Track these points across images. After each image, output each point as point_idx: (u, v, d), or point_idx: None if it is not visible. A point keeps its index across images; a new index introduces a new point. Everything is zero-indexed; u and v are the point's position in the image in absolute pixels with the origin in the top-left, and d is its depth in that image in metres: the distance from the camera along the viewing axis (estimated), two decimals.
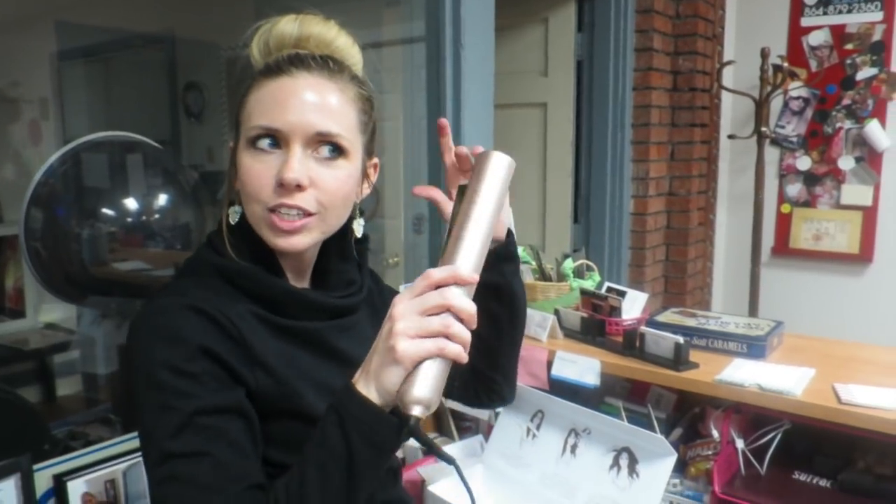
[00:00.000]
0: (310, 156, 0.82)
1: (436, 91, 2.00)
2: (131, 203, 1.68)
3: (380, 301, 1.04)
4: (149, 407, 0.75)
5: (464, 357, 0.70)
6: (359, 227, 0.93)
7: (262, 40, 0.86)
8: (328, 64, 0.84)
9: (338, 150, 0.83)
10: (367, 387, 0.70)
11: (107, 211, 1.64)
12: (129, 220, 1.68)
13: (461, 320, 0.69)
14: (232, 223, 0.86)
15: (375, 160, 0.94)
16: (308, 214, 0.82)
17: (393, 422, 0.70)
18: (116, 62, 3.23)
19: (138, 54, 3.28)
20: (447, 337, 0.68)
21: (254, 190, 0.81)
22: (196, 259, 0.88)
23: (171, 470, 0.72)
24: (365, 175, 0.91)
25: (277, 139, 0.81)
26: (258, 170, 0.81)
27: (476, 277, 0.72)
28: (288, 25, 0.86)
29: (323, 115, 0.82)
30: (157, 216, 1.71)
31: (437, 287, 0.70)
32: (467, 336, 0.70)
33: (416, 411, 0.69)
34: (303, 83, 0.82)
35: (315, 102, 0.82)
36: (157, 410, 0.74)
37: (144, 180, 1.72)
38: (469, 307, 0.70)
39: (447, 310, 0.69)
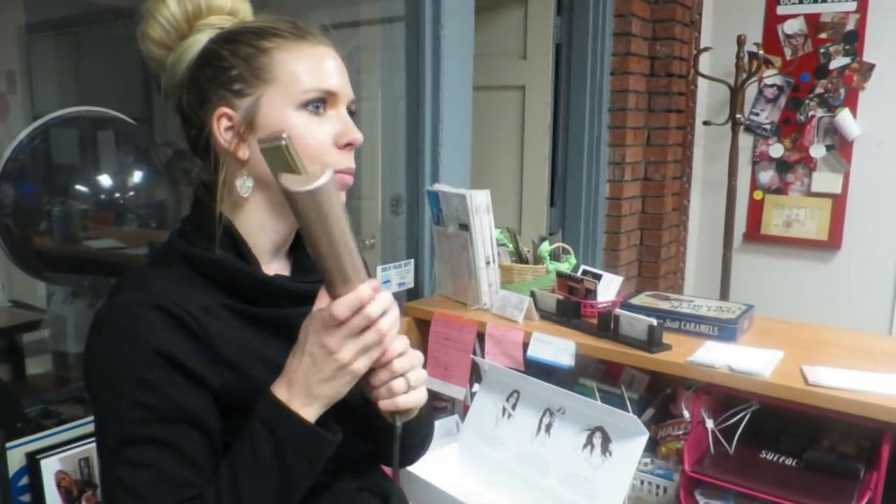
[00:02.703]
0: None
1: (415, 71, 2.00)
2: (103, 180, 1.65)
3: None
4: (105, 410, 0.77)
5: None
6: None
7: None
8: (330, 33, 0.88)
9: (352, 116, 0.88)
10: (308, 403, 0.75)
11: (79, 188, 1.61)
12: (102, 197, 1.65)
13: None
14: (244, 196, 0.84)
15: None
16: None
17: (326, 438, 0.76)
18: (87, 36, 3.15)
19: (110, 28, 3.21)
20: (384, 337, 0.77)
21: (315, 152, 0.82)
22: (166, 247, 0.86)
23: (119, 474, 0.74)
24: None
25: (326, 101, 0.84)
26: (318, 132, 0.83)
27: (375, 286, 0.75)
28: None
29: (349, 83, 0.87)
30: (130, 193, 1.69)
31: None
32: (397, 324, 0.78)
33: (397, 416, 0.81)
34: (332, 51, 0.86)
35: (345, 71, 0.87)
36: (114, 415, 0.76)
37: (116, 157, 1.69)
38: (386, 304, 0.76)
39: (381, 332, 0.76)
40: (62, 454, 1.26)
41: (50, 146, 1.60)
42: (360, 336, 0.74)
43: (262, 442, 0.74)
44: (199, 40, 0.86)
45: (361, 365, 0.75)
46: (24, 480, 1.24)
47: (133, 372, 0.75)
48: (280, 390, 0.76)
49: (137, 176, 1.70)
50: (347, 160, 0.85)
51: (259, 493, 0.74)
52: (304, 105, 0.82)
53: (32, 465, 1.24)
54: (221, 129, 0.83)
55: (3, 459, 1.19)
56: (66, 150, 1.64)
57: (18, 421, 1.34)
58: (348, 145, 0.84)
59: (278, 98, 0.82)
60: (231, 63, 0.83)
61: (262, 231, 0.87)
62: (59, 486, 1.25)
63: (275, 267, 0.90)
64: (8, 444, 1.21)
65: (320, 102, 0.83)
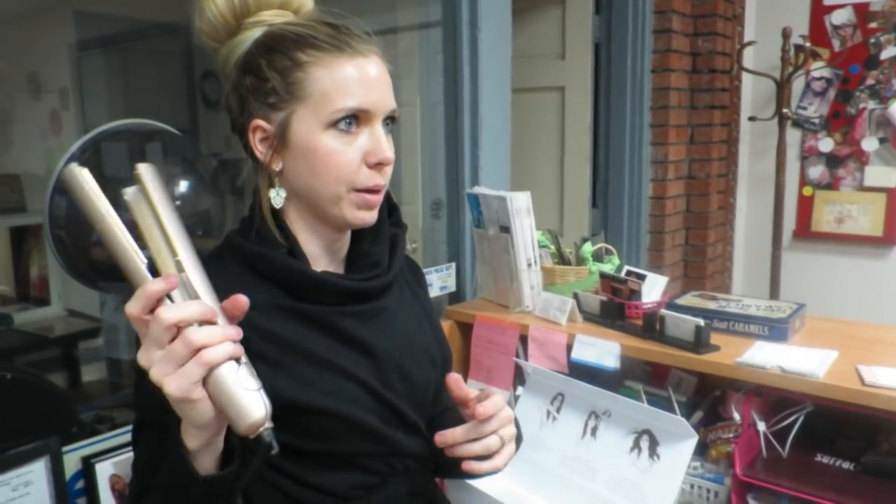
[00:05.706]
0: None
1: (453, 76, 2.00)
2: None
3: (424, 295, 1.03)
4: (135, 390, 0.80)
5: (236, 351, 0.64)
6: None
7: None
8: (373, 38, 0.86)
9: (393, 123, 0.87)
10: (186, 435, 0.67)
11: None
12: None
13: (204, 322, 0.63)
14: (277, 206, 0.85)
15: None
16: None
17: (195, 476, 0.68)
18: (134, 51, 3.25)
19: (156, 43, 3.30)
20: (202, 348, 0.62)
21: (343, 172, 0.82)
22: (224, 241, 0.89)
23: (134, 456, 0.81)
24: None
25: (359, 118, 0.82)
26: (347, 151, 0.82)
27: (167, 280, 0.63)
28: None
29: (390, 91, 0.85)
30: (177, 203, 1.72)
31: (148, 315, 0.62)
32: (218, 333, 0.63)
33: (263, 433, 0.64)
34: (373, 61, 0.83)
35: (385, 81, 0.84)
36: (137, 398, 0.80)
37: (163, 168, 1.73)
38: (190, 312, 0.62)
39: (176, 329, 0.62)
40: (116, 458, 1.30)
41: (101, 158, 1.65)
42: (167, 348, 0.61)
43: (165, 463, 0.72)
44: (248, 38, 0.85)
45: (175, 387, 0.61)
46: (80, 484, 1.28)
47: None
48: None
49: (184, 186, 1.74)
50: (374, 178, 0.83)
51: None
52: (334, 124, 0.81)
53: (88, 468, 1.27)
54: (257, 140, 0.84)
55: (60, 463, 1.22)
56: (116, 161, 1.68)
57: (74, 426, 1.38)
58: (378, 164, 0.83)
59: (309, 116, 0.81)
60: (267, 75, 0.82)
61: (309, 237, 0.88)
62: (113, 489, 1.29)
63: (331, 269, 0.91)
64: (64, 449, 1.25)
65: (352, 119, 0.82)
